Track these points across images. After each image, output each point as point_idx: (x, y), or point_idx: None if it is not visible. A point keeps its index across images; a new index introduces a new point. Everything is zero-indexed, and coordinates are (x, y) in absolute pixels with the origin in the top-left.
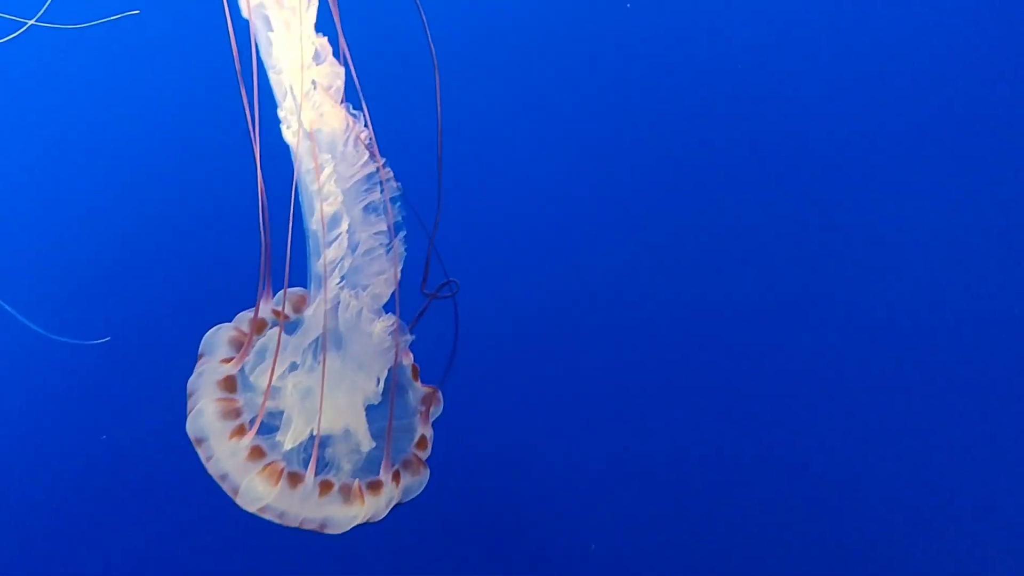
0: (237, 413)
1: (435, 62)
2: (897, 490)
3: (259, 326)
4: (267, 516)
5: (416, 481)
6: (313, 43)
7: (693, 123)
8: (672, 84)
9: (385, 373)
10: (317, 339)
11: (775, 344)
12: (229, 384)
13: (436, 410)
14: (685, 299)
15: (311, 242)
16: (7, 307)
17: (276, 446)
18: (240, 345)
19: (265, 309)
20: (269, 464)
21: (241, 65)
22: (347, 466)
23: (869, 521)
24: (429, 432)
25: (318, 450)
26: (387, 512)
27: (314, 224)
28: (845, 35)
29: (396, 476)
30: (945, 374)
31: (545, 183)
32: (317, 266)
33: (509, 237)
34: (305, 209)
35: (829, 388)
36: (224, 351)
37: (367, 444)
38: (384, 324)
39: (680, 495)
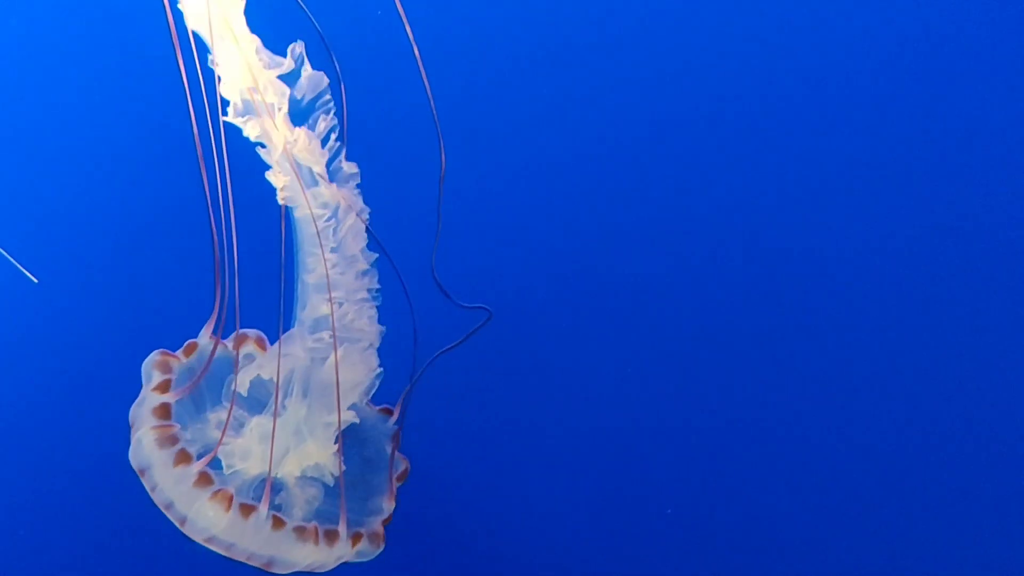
0: (174, 440)
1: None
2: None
3: (188, 350)
4: (214, 548)
5: (372, 549)
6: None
7: (687, 124)
8: (665, 85)
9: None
10: (285, 382)
11: (775, 344)
12: (165, 412)
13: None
14: (685, 304)
15: (299, 293)
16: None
17: (226, 479)
18: (187, 373)
19: (207, 338)
20: (219, 491)
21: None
22: (299, 512)
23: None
24: (391, 507)
25: (270, 492)
26: (334, 566)
27: (307, 278)
28: (846, 37)
29: (356, 538)
30: (943, 375)
31: (538, 197)
32: (303, 315)
33: (504, 254)
34: (299, 265)
35: (847, 389)
36: (160, 378)
37: (330, 478)
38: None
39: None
